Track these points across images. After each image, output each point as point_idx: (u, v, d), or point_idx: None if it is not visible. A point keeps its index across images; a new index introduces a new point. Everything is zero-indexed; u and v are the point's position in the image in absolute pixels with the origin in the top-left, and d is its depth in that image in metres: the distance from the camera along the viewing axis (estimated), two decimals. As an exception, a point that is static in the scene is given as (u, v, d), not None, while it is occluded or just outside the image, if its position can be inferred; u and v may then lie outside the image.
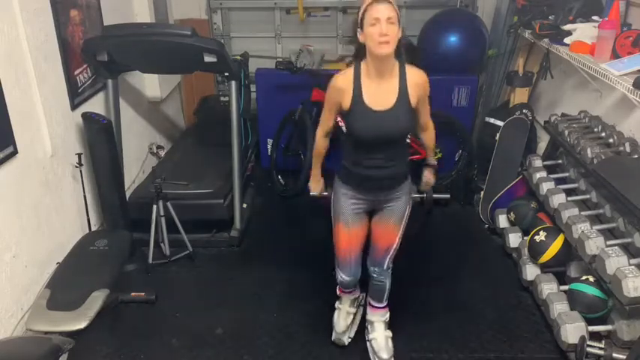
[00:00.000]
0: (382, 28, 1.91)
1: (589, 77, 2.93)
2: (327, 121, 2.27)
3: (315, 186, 2.54)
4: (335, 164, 4.29)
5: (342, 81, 2.11)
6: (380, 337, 2.53)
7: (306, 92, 4.02)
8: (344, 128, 2.24)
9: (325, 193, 2.53)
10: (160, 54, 3.17)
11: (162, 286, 3.00)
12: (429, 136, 2.42)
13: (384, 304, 2.56)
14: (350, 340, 2.64)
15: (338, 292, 2.67)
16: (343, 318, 2.62)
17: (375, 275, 2.45)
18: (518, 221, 3.28)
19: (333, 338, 2.63)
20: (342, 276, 2.44)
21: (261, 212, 3.92)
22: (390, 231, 2.36)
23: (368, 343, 2.58)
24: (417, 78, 2.13)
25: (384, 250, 2.38)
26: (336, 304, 2.68)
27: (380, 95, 2.08)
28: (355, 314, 2.71)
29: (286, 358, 2.57)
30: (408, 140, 2.62)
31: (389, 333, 2.57)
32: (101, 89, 3.37)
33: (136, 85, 3.95)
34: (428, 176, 2.50)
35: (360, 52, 2.08)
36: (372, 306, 2.58)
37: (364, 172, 2.23)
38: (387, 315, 2.60)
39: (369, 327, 2.60)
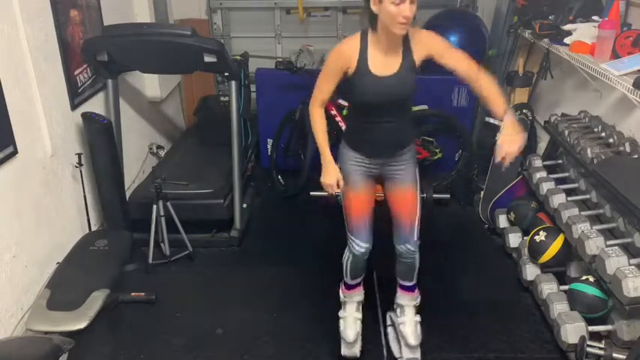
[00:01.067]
0: (407, 10, 1.87)
1: (589, 77, 2.93)
2: (324, 91, 2.16)
3: (331, 175, 2.22)
4: (336, 164, 4.26)
5: (349, 47, 2.08)
6: (409, 322, 2.46)
7: (306, 92, 3.99)
8: (344, 102, 2.24)
9: (339, 190, 2.27)
10: (160, 54, 3.17)
11: (162, 286, 3.00)
12: (484, 84, 2.11)
13: (414, 281, 2.48)
14: (361, 352, 2.52)
15: (342, 295, 2.57)
16: (351, 325, 2.49)
17: (405, 252, 2.35)
18: (518, 221, 3.28)
19: (343, 353, 2.48)
20: (357, 243, 2.33)
21: (261, 212, 3.92)
22: (410, 196, 2.30)
23: (390, 329, 2.53)
24: (418, 37, 2.09)
25: (409, 221, 2.31)
26: (340, 313, 2.55)
27: (386, 62, 2.07)
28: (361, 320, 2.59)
29: (286, 358, 2.56)
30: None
31: (418, 318, 2.49)
32: (101, 89, 3.37)
33: (136, 85, 3.95)
34: (505, 136, 2.09)
35: (370, 22, 2.02)
36: (402, 287, 2.50)
37: (372, 136, 2.22)
38: (418, 299, 2.52)
39: (398, 310, 2.53)
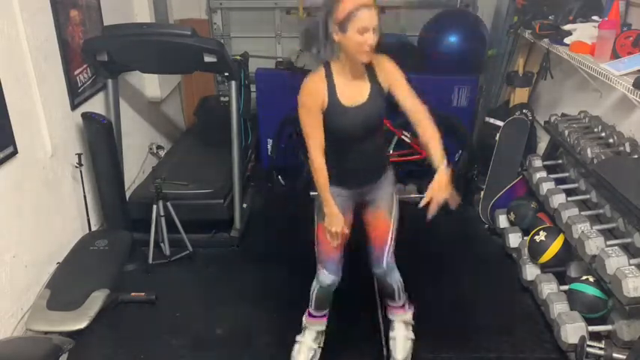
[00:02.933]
0: (371, 38, 1.89)
1: (589, 77, 2.93)
2: (318, 137, 2.08)
3: (338, 222, 2.17)
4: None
5: (317, 84, 2.04)
6: (399, 337, 2.48)
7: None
8: None
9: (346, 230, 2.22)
10: (160, 54, 3.17)
11: (162, 286, 3.00)
12: (426, 129, 2.09)
13: (400, 302, 2.48)
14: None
15: (304, 320, 2.54)
16: (304, 353, 2.50)
17: (377, 274, 2.40)
18: (518, 221, 3.28)
19: None
20: (325, 275, 2.33)
21: (261, 212, 3.92)
22: (381, 223, 2.30)
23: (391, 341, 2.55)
24: (380, 64, 2.09)
25: (380, 247, 2.33)
26: (298, 337, 2.54)
27: (354, 92, 2.07)
28: (315, 352, 2.54)
29: (286, 358, 2.56)
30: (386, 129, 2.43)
31: (410, 334, 2.51)
32: (101, 89, 3.37)
33: (136, 85, 3.95)
34: (436, 184, 2.05)
35: (333, 52, 2.01)
36: (389, 305, 2.53)
37: (347, 167, 2.20)
38: (408, 316, 2.52)
39: (390, 324, 2.55)
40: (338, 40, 1.94)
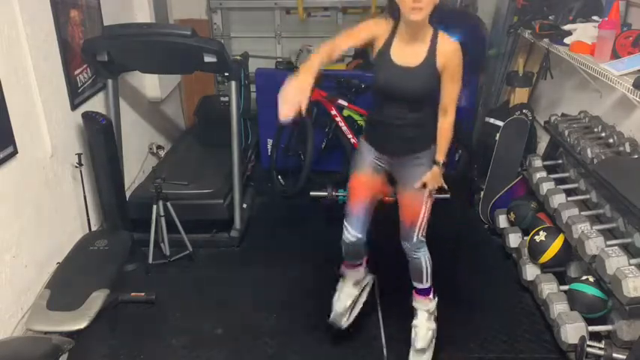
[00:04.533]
0: None
1: (589, 77, 2.93)
2: (338, 43, 2.07)
3: (295, 86, 1.91)
4: (336, 164, 4.29)
5: (384, 25, 2.13)
6: (421, 326, 2.48)
7: (306, 92, 4.01)
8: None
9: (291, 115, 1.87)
10: (160, 54, 3.17)
11: (162, 286, 3.00)
12: (443, 124, 2.20)
13: (426, 285, 2.47)
14: (349, 324, 2.59)
15: (342, 267, 2.59)
16: (343, 299, 2.55)
17: (406, 249, 2.40)
18: (518, 221, 3.28)
19: (330, 319, 2.56)
20: (348, 231, 2.37)
21: (261, 212, 3.92)
22: (413, 199, 2.30)
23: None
24: (446, 46, 2.11)
25: (410, 222, 2.33)
26: (339, 285, 2.60)
27: (407, 54, 2.11)
28: (357, 299, 2.61)
29: (286, 358, 2.57)
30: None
31: (432, 325, 2.50)
32: (101, 89, 3.37)
33: (136, 85, 3.95)
34: (430, 174, 2.24)
35: (392, 13, 2.07)
36: (415, 289, 2.51)
37: (382, 131, 2.25)
38: (432, 305, 2.50)
39: (414, 313, 2.54)
40: (398, 1, 1.99)
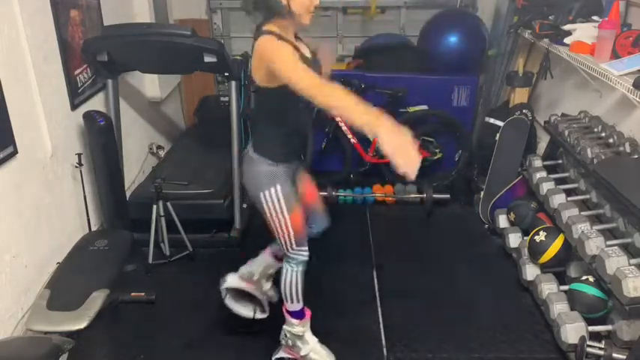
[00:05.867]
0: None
1: (589, 77, 2.93)
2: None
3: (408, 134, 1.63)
4: (336, 164, 4.27)
5: (279, 37, 1.93)
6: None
7: (306, 92, 4.01)
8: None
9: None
10: (160, 54, 3.17)
11: (162, 286, 3.00)
12: None
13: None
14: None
15: (300, 328, 2.43)
16: (323, 348, 2.46)
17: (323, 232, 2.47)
18: (518, 221, 3.28)
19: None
20: (305, 251, 2.31)
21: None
22: (312, 184, 2.41)
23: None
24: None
25: (321, 204, 2.43)
26: (305, 349, 2.44)
27: (303, 48, 2.06)
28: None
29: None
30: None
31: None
32: (101, 89, 3.37)
33: (136, 85, 3.95)
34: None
35: (277, 13, 1.95)
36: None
37: (302, 134, 2.28)
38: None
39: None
40: (285, 3, 1.91)
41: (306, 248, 2.32)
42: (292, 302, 2.36)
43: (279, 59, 1.84)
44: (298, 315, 2.41)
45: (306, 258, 2.33)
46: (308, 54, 2.09)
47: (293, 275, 2.33)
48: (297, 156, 2.30)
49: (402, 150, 1.59)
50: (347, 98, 1.69)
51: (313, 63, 2.04)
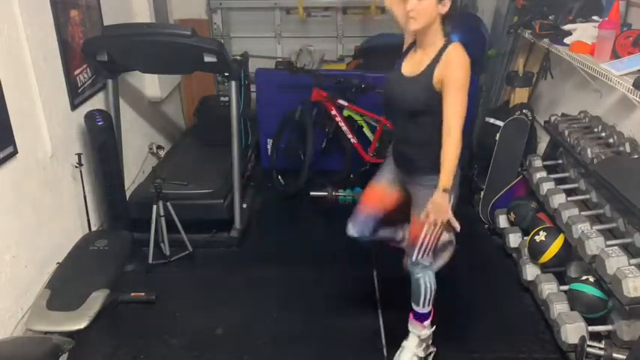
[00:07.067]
0: (411, 4, 1.96)
1: (589, 77, 2.93)
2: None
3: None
4: (336, 164, 4.29)
5: (408, 39, 2.23)
6: (407, 350, 2.42)
7: (306, 92, 4.02)
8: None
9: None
10: (160, 54, 3.17)
11: (162, 286, 3.00)
12: (444, 145, 2.04)
13: (422, 310, 2.37)
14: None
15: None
16: None
17: (408, 267, 2.36)
18: (518, 221, 3.28)
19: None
20: (348, 226, 2.39)
21: (261, 212, 3.92)
22: (414, 221, 2.24)
23: None
24: (449, 56, 2.00)
25: (411, 241, 2.30)
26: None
27: (412, 64, 2.11)
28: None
29: (286, 358, 2.56)
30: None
31: (420, 353, 2.42)
32: (101, 89, 3.37)
33: (136, 85, 3.95)
34: (430, 204, 2.05)
35: None
36: (412, 311, 2.42)
37: (394, 142, 2.33)
38: (424, 332, 2.40)
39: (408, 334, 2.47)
40: None
41: (350, 224, 2.41)
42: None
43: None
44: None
45: (348, 230, 2.42)
46: (406, 69, 2.17)
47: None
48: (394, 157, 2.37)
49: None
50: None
51: (404, 79, 2.15)
